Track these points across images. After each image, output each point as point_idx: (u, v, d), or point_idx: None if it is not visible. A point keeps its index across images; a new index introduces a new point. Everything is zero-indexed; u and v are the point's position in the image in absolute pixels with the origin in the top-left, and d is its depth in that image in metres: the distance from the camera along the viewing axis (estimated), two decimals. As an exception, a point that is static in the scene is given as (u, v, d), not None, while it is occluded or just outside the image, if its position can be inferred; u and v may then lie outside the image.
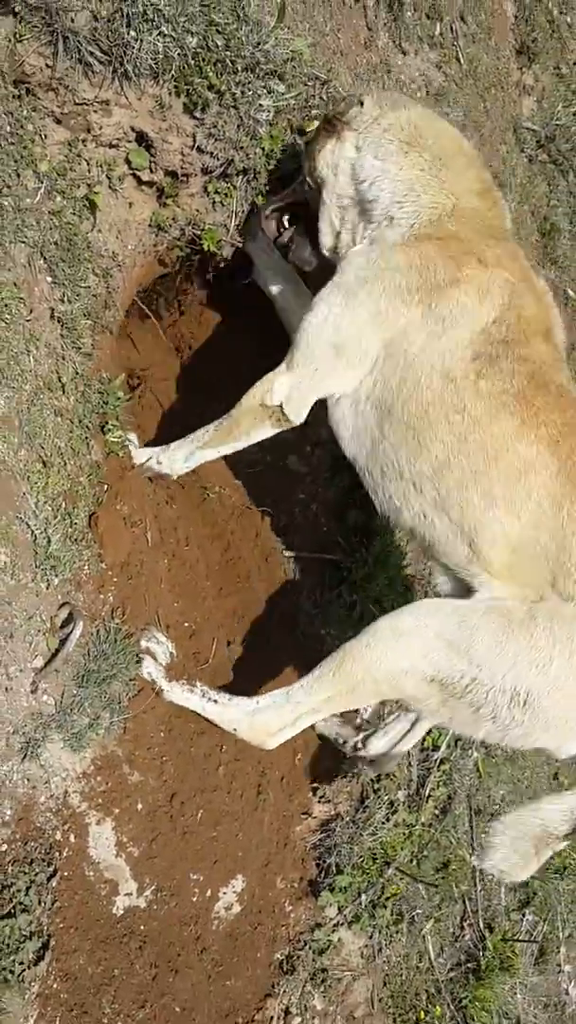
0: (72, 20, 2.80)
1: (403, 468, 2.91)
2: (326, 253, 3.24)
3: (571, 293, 5.39)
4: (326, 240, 3.22)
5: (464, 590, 2.96)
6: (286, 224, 3.40)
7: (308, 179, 3.21)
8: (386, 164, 3.01)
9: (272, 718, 2.97)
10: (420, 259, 2.89)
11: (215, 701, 3.07)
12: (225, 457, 3.38)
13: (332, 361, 2.97)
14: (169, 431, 3.64)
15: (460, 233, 2.94)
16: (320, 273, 3.29)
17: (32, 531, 2.85)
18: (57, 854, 2.94)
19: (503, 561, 2.81)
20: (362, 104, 3.08)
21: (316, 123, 3.26)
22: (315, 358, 2.98)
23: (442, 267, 2.87)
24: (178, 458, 3.26)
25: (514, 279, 2.93)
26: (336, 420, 3.09)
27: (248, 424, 3.10)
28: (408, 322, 2.88)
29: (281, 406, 3.04)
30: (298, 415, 3.08)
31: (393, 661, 2.78)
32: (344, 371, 2.98)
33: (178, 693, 3.10)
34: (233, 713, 3.03)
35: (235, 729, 3.03)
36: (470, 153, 3.15)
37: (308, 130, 3.41)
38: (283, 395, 3.03)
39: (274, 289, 3.48)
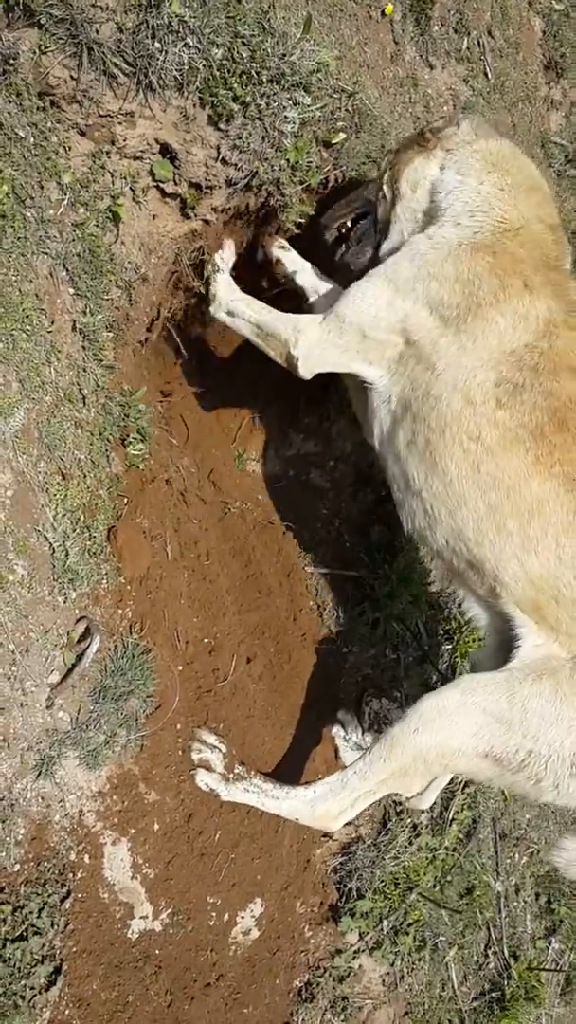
0: (97, 32, 2.79)
1: (422, 486, 2.88)
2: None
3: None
4: (391, 248, 3.20)
5: (502, 624, 2.90)
6: (346, 230, 3.41)
7: (384, 188, 3.21)
8: (467, 179, 3.03)
9: (332, 805, 2.92)
10: (468, 273, 2.86)
11: (273, 796, 3.00)
12: (247, 472, 3.34)
13: (358, 346, 3.00)
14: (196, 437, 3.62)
15: (517, 254, 2.91)
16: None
17: (50, 544, 2.81)
18: (71, 875, 2.89)
19: (529, 599, 2.76)
20: (459, 126, 3.12)
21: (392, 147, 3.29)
22: (344, 334, 3.01)
23: (487, 284, 2.84)
24: (223, 306, 3.30)
25: (557, 309, 2.88)
26: (370, 413, 3.08)
27: (271, 344, 3.18)
28: (441, 334, 2.86)
29: (298, 358, 3.09)
30: (308, 373, 3.12)
31: (442, 743, 2.72)
32: (368, 360, 3.01)
33: (237, 794, 3.02)
34: (292, 804, 2.97)
35: (298, 819, 2.97)
36: (546, 191, 3.17)
37: (334, 142, 3.38)
38: (303, 351, 3.08)
39: (306, 283, 3.45)
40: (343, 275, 3.36)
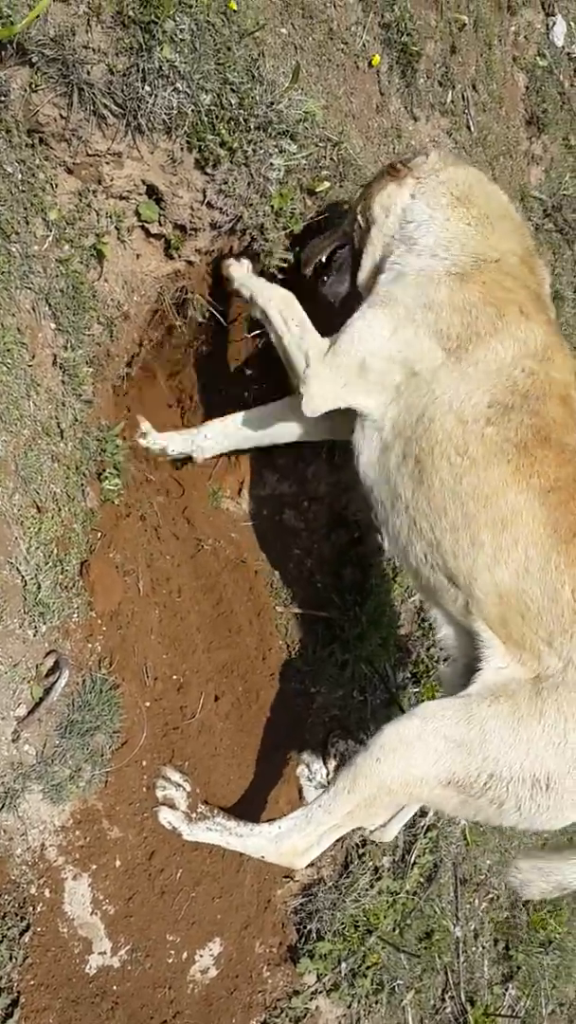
0: (88, 73, 2.83)
1: (408, 502, 2.91)
2: (363, 290, 3.28)
3: (573, 360, 5.41)
4: (365, 275, 3.27)
5: (469, 646, 2.91)
6: (325, 261, 3.47)
7: (359, 217, 3.27)
8: (435, 213, 3.09)
9: (297, 841, 2.91)
10: (464, 303, 2.92)
11: (237, 835, 2.98)
12: (221, 509, 3.36)
13: (358, 377, 3.02)
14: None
15: (504, 283, 2.98)
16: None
17: (22, 576, 2.82)
18: (31, 909, 2.87)
19: (497, 614, 2.77)
20: (427, 155, 3.20)
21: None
22: (345, 370, 3.03)
23: (484, 314, 2.90)
24: (247, 284, 3.31)
25: (549, 337, 2.95)
26: (358, 440, 3.10)
27: (289, 355, 3.15)
28: (441, 363, 2.90)
29: (303, 398, 3.08)
30: (312, 413, 3.09)
31: (404, 771, 2.72)
32: (368, 391, 3.03)
33: (200, 833, 2.99)
34: (257, 842, 2.95)
35: (263, 856, 2.95)
36: (516, 219, 3.25)
37: (318, 190, 3.44)
38: (310, 391, 3.06)
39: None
40: (324, 308, 3.40)
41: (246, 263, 3.41)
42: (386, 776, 2.74)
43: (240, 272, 3.37)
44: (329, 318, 3.24)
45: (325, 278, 3.47)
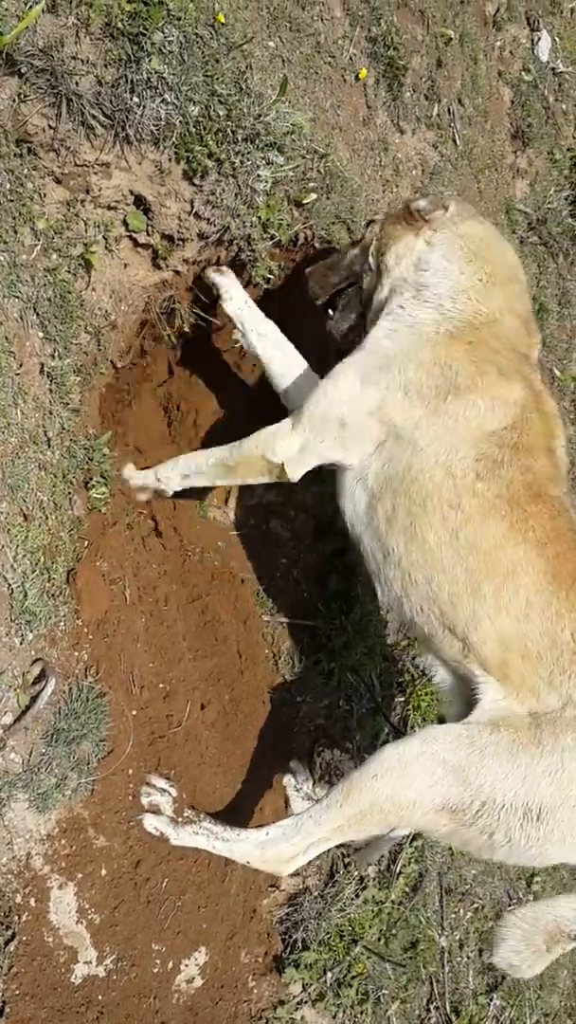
0: (77, 83, 2.86)
1: (401, 555, 2.93)
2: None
3: (557, 372, 5.45)
4: (373, 317, 3.28)
5: (465, 687, 2.95)
6: (337, 303, 3.51)
7: (371, 259, 3.29)
8: (451, 265, 3.12)
9: (284, 849, 2.91)
10: (446, 358, 2.96)
11: (223, 839, 2.98)
12: (208, 519, 3.37)
13: (338, 435, 3.03)
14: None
15: (491, 344, 3.02)
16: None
17: (9, 584, 2.82)
18: (16, 918, 2.86)
19: (497, 658, 2.81)
20: (446, 208, 3.20)
21: (380, 217, 3.37)
22: (323, 429, 3.04)
23: (464, 370, 2.93)
24: (174, 477, 3.35)
25: (529, 395, 3.00)
26: (341, 493, 3.13)
27: (245, 472, 3.19)
28: (421, 416, 2.93)
29: (283, 464, 3.09)
30: (296, 475, 3.13)
31: (399, 791, 2.73)
32: (348, 447, 3.04)
33: (186, 838, 2.99)
34: (243, 848, 2.95)
35: (248, 862, 2.95)
36: (522, 280, 3.29)
37: (305, 201, 3.47)
38: (287, 455, 3.09)
39: (262, 349, 3.48)
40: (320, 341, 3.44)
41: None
42: (380, 794, 2.74)
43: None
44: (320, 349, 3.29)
45: (331, 313, 3.52)
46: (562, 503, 2.95)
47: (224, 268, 3.44)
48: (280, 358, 3.45)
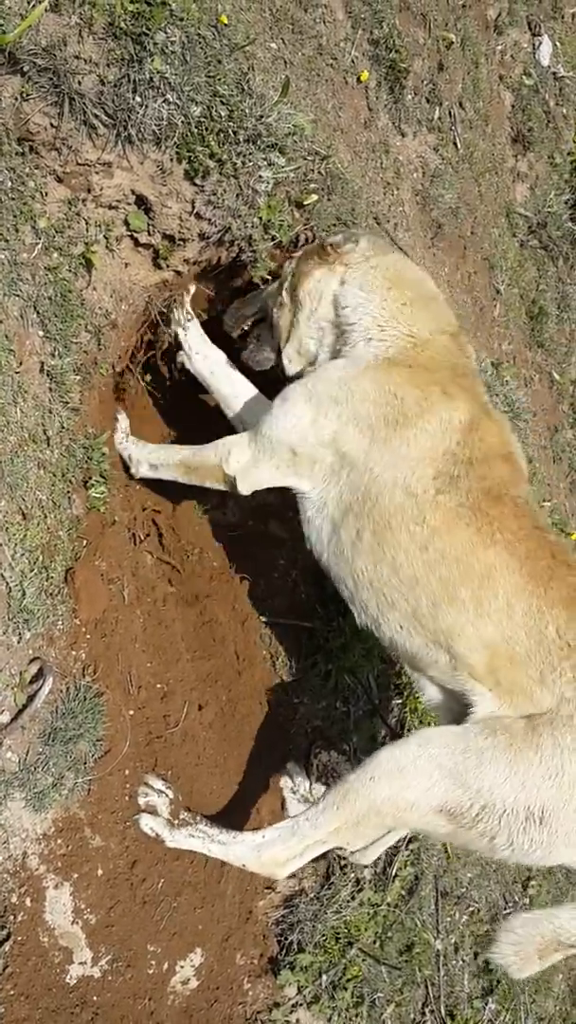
0: (79, 83, 2.86)
1: (372, 577, 2.94)
2: (288, 366, 3.33)
3: (556, 376, 5.46)
4: (291, 356, 3.31)
5: (456, 702, 2.94)
6: (246, 328, 3.53)
7: (284, 294, 3.29)
8: (371, 296, 3.12)
9: (280, 852, 2.90)
10: (390, 387, 2.96)
11: (219, 842, 2.97)
12: (206, 519, 3.37)
13: (289, 462, 3.06)
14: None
15: (430, 365, 3.03)
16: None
17: (7, 583, 2.81)
18: (12, 917, 2.85)
19: (485, 664, 2.81)
20: (358, 242, 3.20)
21: (296, 255, 3.39)
22: (275, 454, 3.07)
23: (410, 396, 2.94)
24: (144, 463, 3.38)
25: (476, 410, 3.01)
26: (305, 523, 3.14)
27: (203, 475, 3.24)
28: (372, 444, 2.93)
29: (235, 478, 3.13)
30: (245, 490, 3.16)
31: (396, 794, 2.73)
32: (300, 473, 3.07)
33: (181, 840, 2.98)
34: (239, 850, 2.94)
35: (244, 865, 2.95)
36: (441, 299, 3.31)
37: (306, 202, 3.47)
38: (238, 469, 3.12)
39: (211, 377, 3.51)
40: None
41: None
42: (378, 797, 2.74)
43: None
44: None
45: (246, 346, 3.53)
46: (525, 502, 2.97)
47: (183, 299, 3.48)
48: (228, 382, 3.48)
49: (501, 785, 2.67)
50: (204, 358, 3.45)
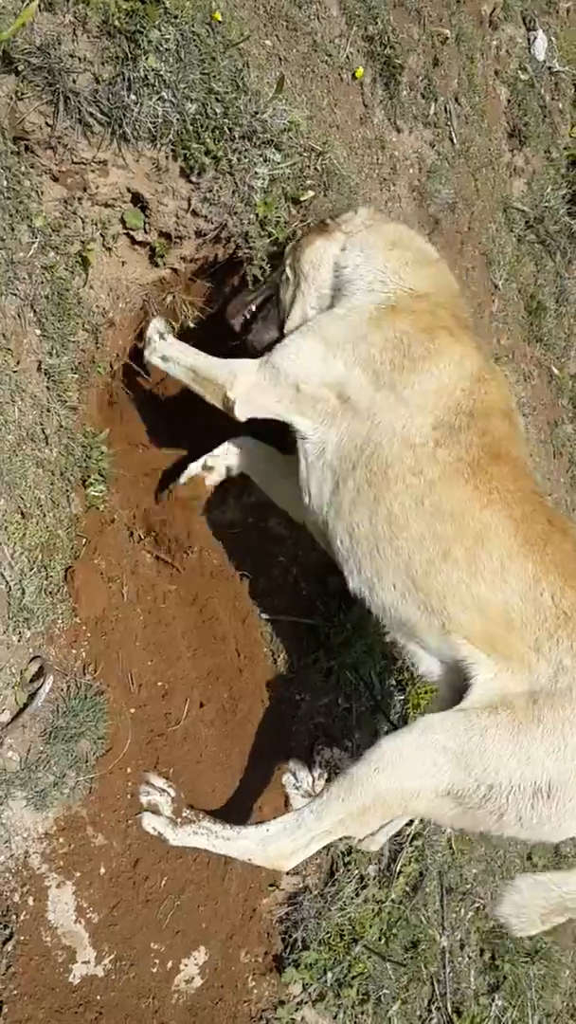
0: (74, 81, 2.86)
1: (367, 531, 2.91)
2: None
3: (555, 371, 5.45)
4: (295, 324, 3.28)
5: (454, 674, 2.91)
6: (251, 315, 3.48)
7: (288, 270, 3.28)
8: (371, 255, 3.13)
9: (285, 844, 2.88)
10: (395, 333, 2.95)
11: (224, 837, 2.94)
12: (206, 516, 3.38)
13: (292, 398, 3.05)
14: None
15: (433, 310, 3.03)
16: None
17: (7, 582, 2.81)
18: (14, 917, 2.85)
19: (480, 628, 2.78)
20: (356, 212, 3.23)
21: (301, 226, 3.41)
22: (279, 385, 3.07)
23: (416, 341, 2.94)
24: (158, 352, 3.31)
25: (482, 360, 3.01)
26: (304, 470, 3.10)
27: (206, 388, 3.21)
28: (377, 390, 2.92)
29: (235, 401, 3.12)
30: (241, 416, 3.15)
31: (401, 782, 2.72)
32: (301, 412, 3.05)
33: (185, 837, 2.94)
34: (244, 844, 2.92)
35: (250, 858, 2.92)
36: (443, 264, 3.32)
37: (303, 199, 3.47)
38: (240, 393, 3.11)
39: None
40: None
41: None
42: (382, 787, 2.73)
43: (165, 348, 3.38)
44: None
45: (252, 327, 3.48)
46: (524, 463, 2.96)
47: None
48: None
49: (506, 763, 2.65)
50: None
